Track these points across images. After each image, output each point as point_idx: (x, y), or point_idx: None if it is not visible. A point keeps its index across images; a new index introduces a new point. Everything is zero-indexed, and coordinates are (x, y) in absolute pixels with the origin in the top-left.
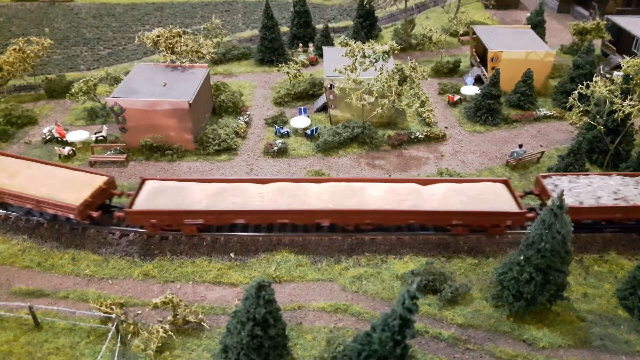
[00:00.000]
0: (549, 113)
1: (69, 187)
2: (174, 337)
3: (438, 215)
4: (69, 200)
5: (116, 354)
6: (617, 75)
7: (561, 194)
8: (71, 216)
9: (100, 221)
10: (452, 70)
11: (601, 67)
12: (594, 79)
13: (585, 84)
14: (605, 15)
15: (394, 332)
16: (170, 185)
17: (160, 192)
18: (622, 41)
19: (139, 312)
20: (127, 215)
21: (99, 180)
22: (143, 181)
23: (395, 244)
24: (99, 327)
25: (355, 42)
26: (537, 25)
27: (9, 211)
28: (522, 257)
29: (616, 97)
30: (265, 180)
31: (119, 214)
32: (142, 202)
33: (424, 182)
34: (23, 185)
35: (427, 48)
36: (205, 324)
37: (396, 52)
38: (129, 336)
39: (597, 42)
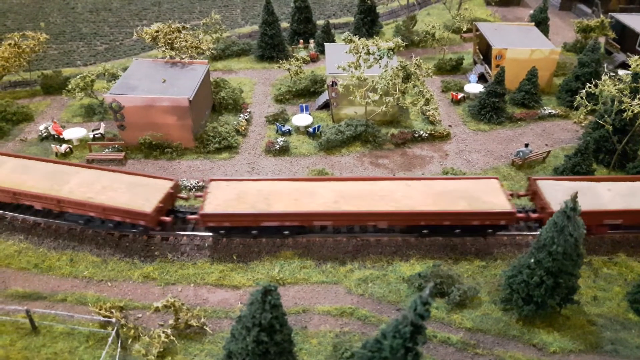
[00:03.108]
0: (554, 112)
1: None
2: (176, 341)
3: None
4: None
5: (116, 359)
6: (626, 74)
7: (575, 196)
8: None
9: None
10: (455, 68)
11: (605, 65)
12: (603, 77)
13: (594, 83)
14: (609, 13)
15: (405, 338)
16: (565, 185)
17: (558, 193)
18: (625, 39)
19: (140, 315)
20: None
21: None
22: (533, 181)
23: (401, 245)
24: (98, 331)
25: (359, 39)
26: (541, 23)
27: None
28: (532, 260)
29: (625, 96)
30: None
31: (532, 216)
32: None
33: None
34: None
35: (429, 45)
36: (207, 328)
37: (401, 49)
38: (130, 341)
39: (600, 40)
